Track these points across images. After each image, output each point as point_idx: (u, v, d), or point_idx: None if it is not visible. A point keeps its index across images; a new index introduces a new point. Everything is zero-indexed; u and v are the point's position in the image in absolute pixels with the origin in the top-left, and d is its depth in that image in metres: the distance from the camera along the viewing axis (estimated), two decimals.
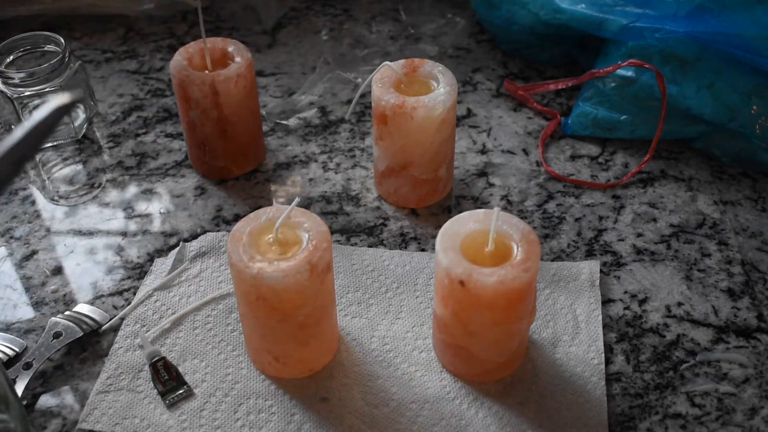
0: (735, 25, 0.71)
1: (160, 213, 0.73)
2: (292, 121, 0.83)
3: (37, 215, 0.73)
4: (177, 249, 0.69)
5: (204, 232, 0.71)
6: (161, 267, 0.67)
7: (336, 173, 0.77)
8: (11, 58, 0.78)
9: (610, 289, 0.66)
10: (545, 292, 0.65)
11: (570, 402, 0.57)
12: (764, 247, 0.69)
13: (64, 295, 0.66)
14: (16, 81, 0.76)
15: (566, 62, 0.89)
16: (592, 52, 0.83)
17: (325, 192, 0.75)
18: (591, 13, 0.77)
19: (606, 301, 0.65)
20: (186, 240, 0.70)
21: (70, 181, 0.77)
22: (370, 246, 0.70)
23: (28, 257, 0.69)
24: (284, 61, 0.92)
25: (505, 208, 0.73)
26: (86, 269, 0.68)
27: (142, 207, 0.74)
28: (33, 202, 0.75)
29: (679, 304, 0.65)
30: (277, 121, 0.83)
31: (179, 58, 0.71)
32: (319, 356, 0.60)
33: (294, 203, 0.56)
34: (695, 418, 0.57)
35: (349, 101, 0.85)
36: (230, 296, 0.65)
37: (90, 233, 0.72)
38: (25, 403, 0.58)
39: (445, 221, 0.57)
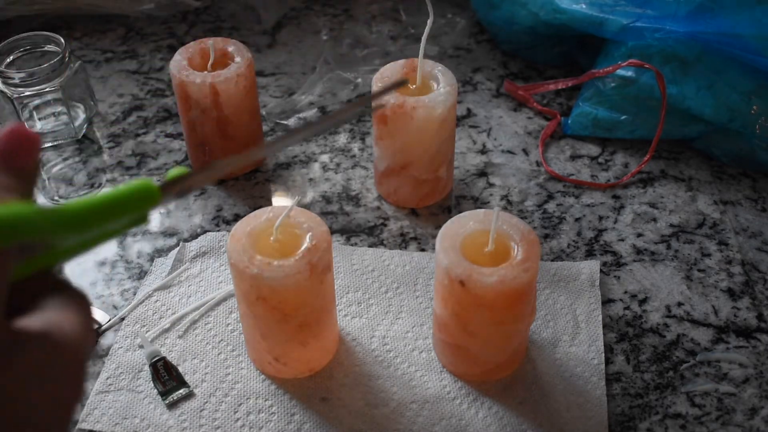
0: (735, 25, 0.71)
1: (160, 213, 0.73)
2: (292, 121, 0.83)
3: None
4: (177, 249, 0.69)
5: (204, 232, 0.71)
6: (161, 267, 0.67)
7: (336, 173, 0.77)
8: (11, 58, 0.78)
9: (610, 289, 0.66)
10: (545, 292, 0.65)
11: (570, 402, 0.57)
12: (764, 247, 0.69)
13: None
14: (16, 81, 0.75)
15: (566, 62, 0.89)
16: (592, 52, 0.83)
17: (325, 192, 0.75)
18: (591, 13, 0.77)
19: (606, 301, 0.65)
20: (186, 240, 0.70)
21: (70, 181, 0.77)
22: (370, 246, 0.70)
23: None
24: (284, 61, 0.92)
25: (505, 208, 0.73)
26: (86, 269, 0.68)
27: None
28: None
29: (679, 304, 0.65)
30: (277, 121, 0.83)
31: (179, 58, 0.71)
32: (319, 356, 0.60)
33: (294, 203, 0.56)
34: (695, 418, 0.57)
35: (349, 101, 0.85)
36: (230, 296, 0.65)
37: None
38: None
39: (445, 221, 0.57)
